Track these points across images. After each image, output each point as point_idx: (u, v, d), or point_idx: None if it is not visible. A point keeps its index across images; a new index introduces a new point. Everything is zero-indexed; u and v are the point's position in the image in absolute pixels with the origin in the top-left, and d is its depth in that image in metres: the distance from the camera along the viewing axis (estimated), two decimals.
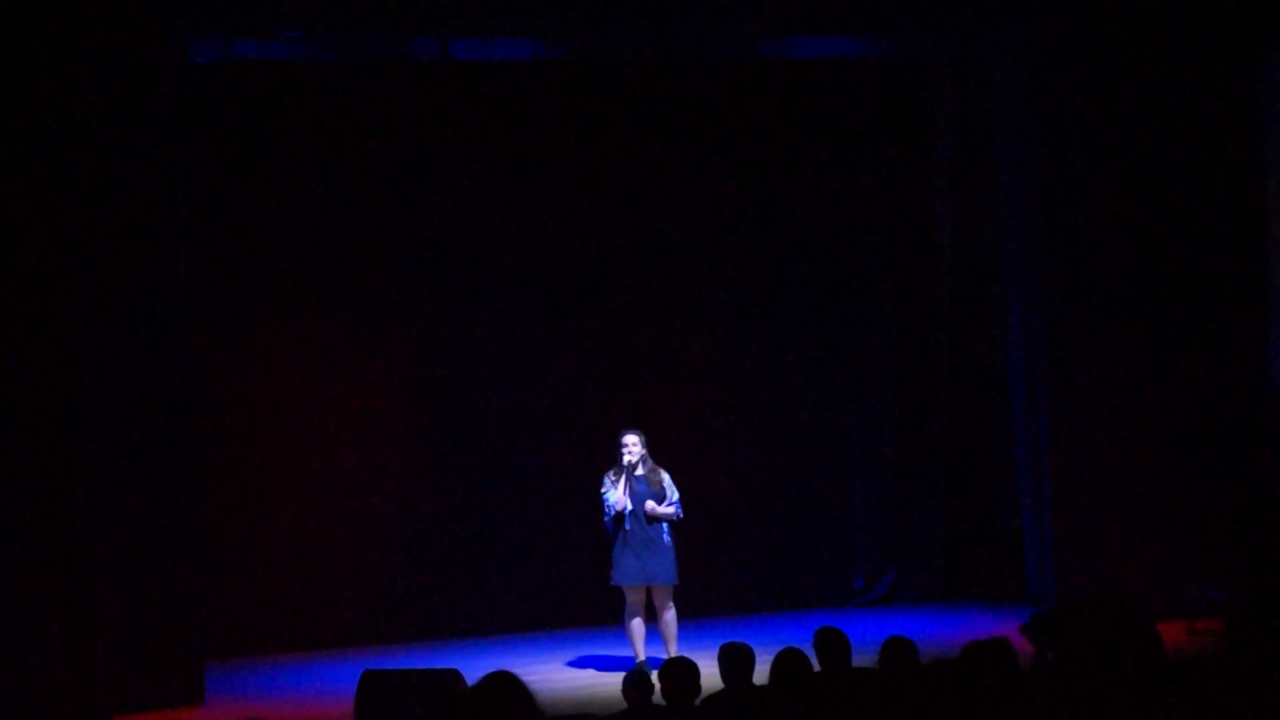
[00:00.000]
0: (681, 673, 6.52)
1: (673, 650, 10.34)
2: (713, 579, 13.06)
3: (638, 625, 10.62)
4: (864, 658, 7.19)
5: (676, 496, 10.62)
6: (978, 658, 5.67)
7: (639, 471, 10.51)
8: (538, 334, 13.11)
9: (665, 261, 13.37)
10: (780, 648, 6.68)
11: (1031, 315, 12.65)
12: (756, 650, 6.97)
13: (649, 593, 10.59)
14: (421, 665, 9.90)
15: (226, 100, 12.33)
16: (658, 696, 6.76)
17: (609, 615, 11.37)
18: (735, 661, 6.89)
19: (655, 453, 10.75)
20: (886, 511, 13.80)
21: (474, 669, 5.86)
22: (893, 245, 13.83)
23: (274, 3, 11.40)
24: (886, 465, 13.82)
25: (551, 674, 10.96)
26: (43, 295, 10.03)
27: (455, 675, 8.12)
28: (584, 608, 12.54)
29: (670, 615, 10.57)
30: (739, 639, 7.06)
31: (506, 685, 4.41)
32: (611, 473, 10.60)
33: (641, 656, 10.58)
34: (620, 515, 10.49)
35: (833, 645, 7.09)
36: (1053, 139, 12.08)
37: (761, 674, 6.79)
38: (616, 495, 10.49)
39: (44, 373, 10.01)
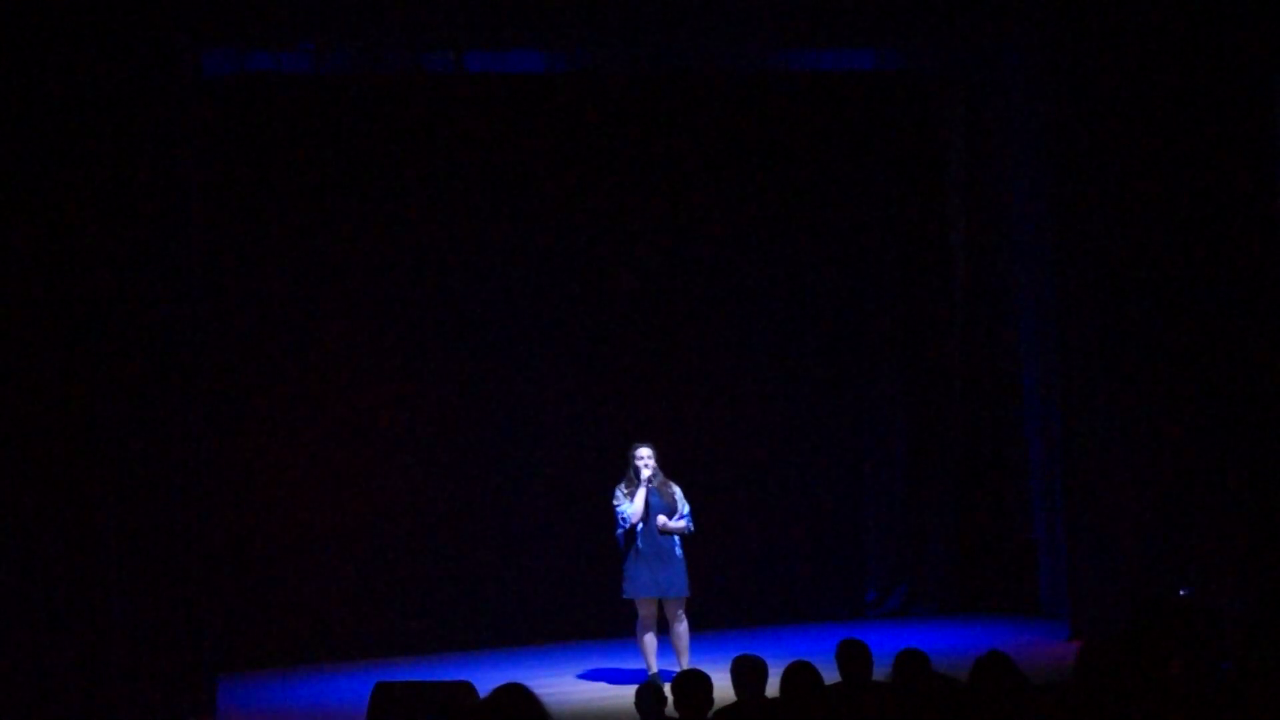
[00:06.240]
0: (694, 685, 6.51)
1: (685, 663, 10.33)
2: (725, 591, 13.04)
3: (650, 638, 10.61)
4: (877, 670, 7.18)
5: (688, 510, 10.62)
6: (984, 673, 5.65)
7: (653, 484, 10.51)
8: (548, 344, 13.11)
9: (677, 273, 13.36)
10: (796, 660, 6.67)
11: (1044, 327, 12.62)
12: (769, 663, 6.96)
13: (661, 605, 10.58)
14: (434, 677, 9.91)
15: (240, 112, 12.34)
16: (670, 709, 6.74)
17: (621, 628, 11.35)
18: (748, 674, 6.89)
19: (666, 465, 10.75)
20: (899, 523, 13.78)
21: (486, 681, 5.84)
22: (905, 257, 13.82)
23: (288, 15, 11.42)
24: (899, 477, 13.79)
25: (563, 686, 10.95)
26: (55, 304, 10.05)
27: (467, 687, 8.11)
28: (596, 620, 12.52)
29: (682, 628, 10.56)
30: (751, 651, 7.05)
31: (518, 697, 4.40)
32: (623, 485, 10.59)
33: (654, 669, 10.57)
34: (633, 528, 10.49)
35: (855, 657, 7.09)
36: (1064, 151, 12.06)
37: (774, 687, 6.77)
38: (632, 507, 10.48)
39: (56, 383, 10.02)
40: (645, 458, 10.53)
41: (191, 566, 10.40)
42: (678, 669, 9.70)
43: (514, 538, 12.96)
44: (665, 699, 7.01)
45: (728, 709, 6.76)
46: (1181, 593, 10.91)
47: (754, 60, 13.17)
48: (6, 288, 9.98)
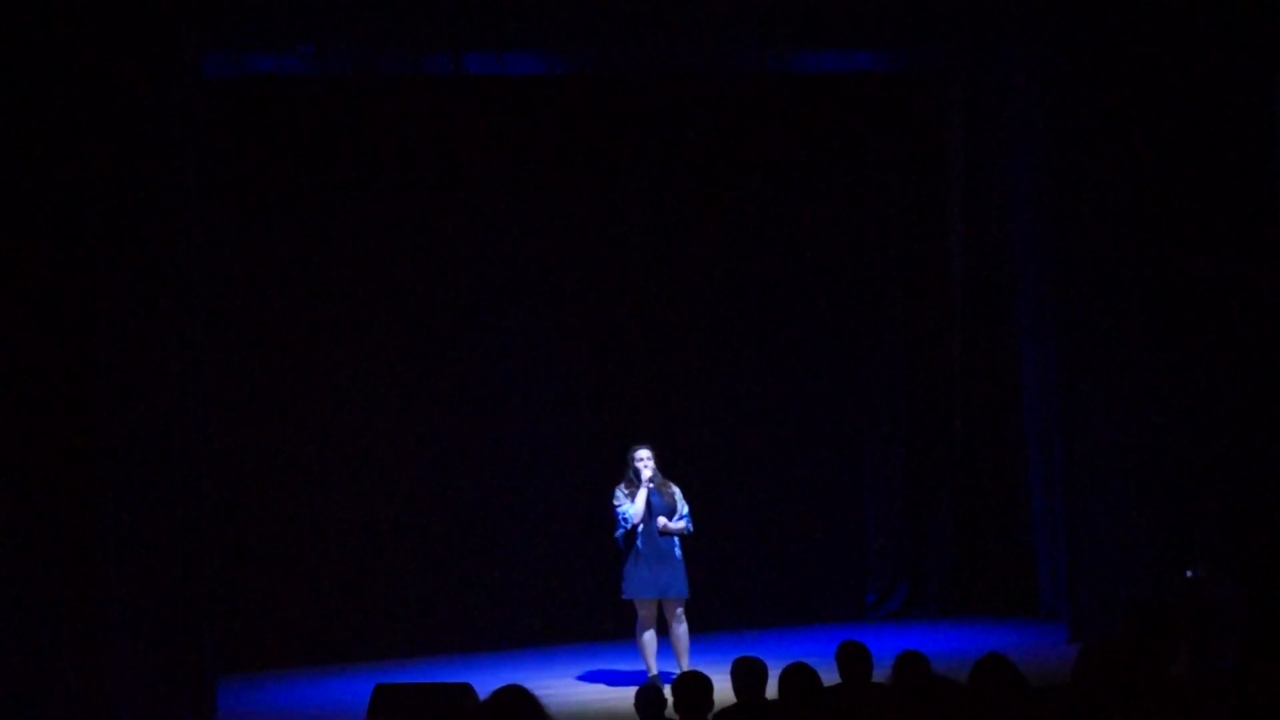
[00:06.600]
0: (694, 687, 6.51)
1: (685, 664, 10.34)
2: (725, 593, 13.03)
3: (650, 639, 10.61)
4: (877, 672, 7.18)
5: (687, 510, 10.63)
6: (984, 675, 5.65)
7: (653, 485, 10.52)
8: (548, 347, 13.11)
9: (676, 275, 13.36)
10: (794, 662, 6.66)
11: (1044, 329, 12.61)
12: (769, 664, 6.95)
13: (661, 606, 10.58)
14: (433, 679, 9.91)
15: (239, 114, 12.34)
16: (670, 711, 6.74)
17: (621, 629, 11.35)
18: (748, 676, 6.88)
19: (666, 466, 10.75)
20: (899, 525, 13.77)
21: (486, 683, 5.84)
22: (905, 258, 13.81)
23: (287, 17, 11.42)
24: (899, 479, 13.79)
25: (563, 688, 10.95)
26: (55, 305, 10.05)
27: (467, 689, 8.12)
28: (595, 622, 12.52)
29: (682, 629, 10.56)
30: (751, 653, 7.05)
31: (518, 699, 4.40)
32: (623, 486, 10.60)
33: (653, 670, 10.57)
34: (633, 529, 10.50)
35: (855, 658, 7.09)
36: (1064, 151, 12.06)
37: (775, 688, 6.77)
38: (634, 508, 10.49)
39: (56, 384, 10.02)
40: (645, 459, 10.54)
41: (191, 566, 10.40)
42: (677, 670, 9.70)
43: (514, 539, 12.94)
44: (665, 701, 7.01)
45: (727, 711, 6.76)
46: (1188, 574, 10.89)
47: (754, 61, 13.15)
48: (7, 288, 9.98)
